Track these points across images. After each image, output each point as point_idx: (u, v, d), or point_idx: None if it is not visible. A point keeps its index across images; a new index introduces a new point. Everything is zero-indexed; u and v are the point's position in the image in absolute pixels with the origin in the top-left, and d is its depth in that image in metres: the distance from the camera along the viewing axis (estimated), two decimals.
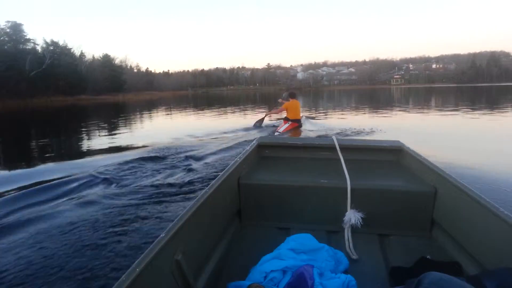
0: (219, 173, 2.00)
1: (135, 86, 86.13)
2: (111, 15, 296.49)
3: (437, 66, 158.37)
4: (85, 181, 4.61)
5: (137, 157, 5.98)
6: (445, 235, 1.86)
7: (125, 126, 13.93)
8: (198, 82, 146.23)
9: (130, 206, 3.57)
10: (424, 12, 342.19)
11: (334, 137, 2.62)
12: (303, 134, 8.36)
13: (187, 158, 5.93)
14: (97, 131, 12.75)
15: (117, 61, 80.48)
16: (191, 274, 1.37)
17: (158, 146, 7.14)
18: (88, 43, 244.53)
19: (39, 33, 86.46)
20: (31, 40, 58.05)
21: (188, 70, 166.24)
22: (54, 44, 60.46)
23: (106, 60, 72.13)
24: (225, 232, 1.93)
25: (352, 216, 1.89)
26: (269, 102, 29.46)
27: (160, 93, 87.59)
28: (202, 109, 23.29)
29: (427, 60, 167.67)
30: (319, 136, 7.21)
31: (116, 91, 65.05)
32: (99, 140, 9.96)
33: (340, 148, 2.47)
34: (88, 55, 74.57)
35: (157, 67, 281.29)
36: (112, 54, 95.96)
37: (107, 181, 4.58)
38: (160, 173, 4.98)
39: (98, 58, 73.64)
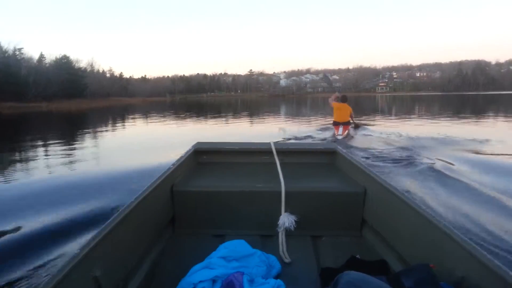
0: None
1: (106, 91, 79.50)
2: (82, 15, 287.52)
3: (421, 74, 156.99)
4: None
5: None
6: (374, 234, 1.92)
7: None
8: (177, 88, 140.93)
9: None
10: (404, 21, 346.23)
11: (271, 142, 2.67)
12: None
13: None
14: None
15: (82, 64, 73.22)
16: None
17: None
18: (50, 45, 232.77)
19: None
20: None
21: (167, 76, 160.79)
22: None
23: (64, 63, 64.45)
24: (156, 242, 1.86)
25: (286, 220, 1.89)
26: (252, 109, 26.22)
27: (130, 100, 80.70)
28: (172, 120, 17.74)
29: (409, 69, 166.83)
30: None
31: (75, 97, 57.76)
32: None
33: (277, 152, 2.51)
34: (49, 57, 66.81)
35: (134, 72, 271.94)
36: (75, 56, 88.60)
37: None
38: None
39: (53, 60, 65.61)
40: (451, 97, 59.01)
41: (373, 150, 6.62)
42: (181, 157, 2.40)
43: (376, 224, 1.89)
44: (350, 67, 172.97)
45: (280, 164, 2.30)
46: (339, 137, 8.36)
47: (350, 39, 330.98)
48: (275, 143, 2.65)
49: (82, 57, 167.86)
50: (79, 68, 70.15)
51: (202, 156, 2.71)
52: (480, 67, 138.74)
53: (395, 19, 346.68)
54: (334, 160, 2.64)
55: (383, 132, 9.64)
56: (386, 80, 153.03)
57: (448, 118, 15.72)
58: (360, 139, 8.39)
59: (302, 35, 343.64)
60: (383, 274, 1.31)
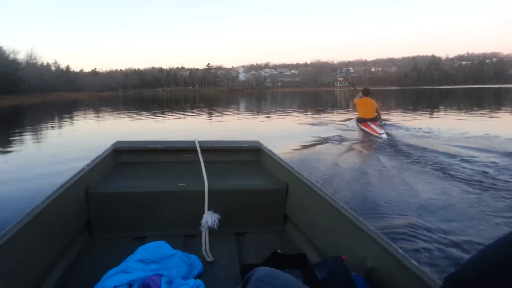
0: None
1: (50, 86, 72.29)
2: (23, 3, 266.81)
3: (376, 69, 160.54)
4: None
5: None
6: (295, 229, 1.96)
7: None
8: (130, 82, 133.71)
9: None
10: (357, 15, 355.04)
11: (196, 140, 2.62)
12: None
13: None
14: None
15: (20, 56, 65.65)
16: None
17: None
18: None
19: None
20: None
21: (120, 69, 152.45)
22: None
23: None
24: (69, 248, 1.75)
25: (209, 218, 1.88)
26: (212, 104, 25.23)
27: (74, 95, 74.14)
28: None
29: (364, 64, 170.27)
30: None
31: (6, 92, 50.96)
32: None
33: (201, 150, 2.49)
34: None
35: (84, 65, 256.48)
36: (11, 47, 79.96)
37: None
38: None
39: None
40: (405, 92, 60.04)
41: None
42: (98, 156, 2.24)
43: (297, 218, 1.93)
44: (308, 62, 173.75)
45: (204, 162, 2.30)
46: (384, 136, 7.14)
47: (307, 33, 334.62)
48: (200, 141, 2.61)
49: (20, 48, 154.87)
50: (14, 60, 62.75)
51: (122, 156, 2.54)
52: (434, 61, 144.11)
53: (348, 13, 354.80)
54: (258, 157, 2.64)
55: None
56: (344, 75, 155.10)
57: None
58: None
59: (260, 29, 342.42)
60: (302, 267, 1.35)
